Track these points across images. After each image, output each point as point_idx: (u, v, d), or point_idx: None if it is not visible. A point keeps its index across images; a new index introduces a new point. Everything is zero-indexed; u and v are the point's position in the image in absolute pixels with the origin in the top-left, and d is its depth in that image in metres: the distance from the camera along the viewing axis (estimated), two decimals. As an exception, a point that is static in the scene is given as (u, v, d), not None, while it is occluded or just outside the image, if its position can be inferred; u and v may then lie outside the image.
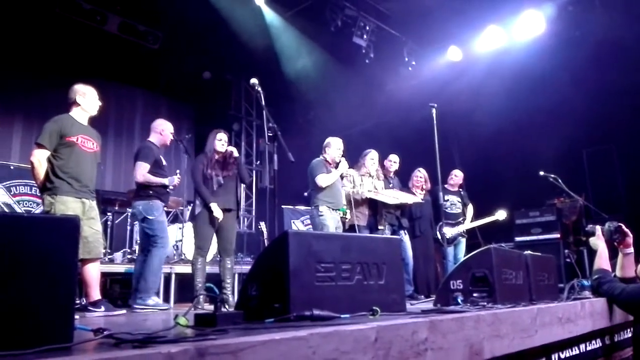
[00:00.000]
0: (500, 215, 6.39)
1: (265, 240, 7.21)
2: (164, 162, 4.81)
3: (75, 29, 7.31)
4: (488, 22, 7.90)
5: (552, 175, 6.06)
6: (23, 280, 1.30)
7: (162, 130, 4.85)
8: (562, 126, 7.05)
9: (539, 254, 3.87)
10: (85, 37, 7.52)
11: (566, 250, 6.79)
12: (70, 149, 3.69)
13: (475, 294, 2.86)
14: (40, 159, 3.65)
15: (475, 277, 2.91)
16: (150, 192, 4.62)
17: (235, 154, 4.86)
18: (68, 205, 3.62)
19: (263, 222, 7.42)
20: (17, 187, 6.33)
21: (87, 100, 3.88)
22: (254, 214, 10.35)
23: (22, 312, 1.29)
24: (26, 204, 6.37)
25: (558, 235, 6.95)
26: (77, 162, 3.71)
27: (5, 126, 6.25)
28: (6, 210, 6.09)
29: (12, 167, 6.50)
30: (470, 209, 6.44)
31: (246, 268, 6.76)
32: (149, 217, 4.54)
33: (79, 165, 3.72)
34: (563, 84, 7.00)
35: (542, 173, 6.11)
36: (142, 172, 4.55)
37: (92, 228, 3.73)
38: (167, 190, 4.78)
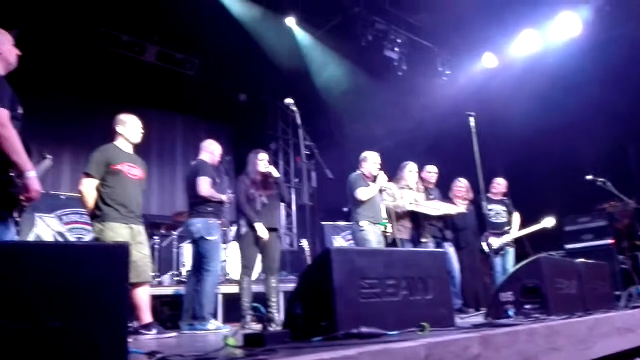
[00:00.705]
0: (548, 222, 6.17)
1: (308, 258, 7.22)
2: (217, 181, 4.93)
3: (116, 60, 7.62)
4: (523, 26, 7.77)
5: (601, 179, 5.84)
6: (78, 306, 1.35)
7: (213, 151, 4.97)
8: (604, 126, 6.80)
9: (592, 261, 3.73)
10: (126, 67, 7.81)
11: (620, 256, 6.48)
12: (116, 176, 3.82)
13: (527, 306, 2.77)
14: (88, 187, 3.79)
15: (525, 288, 2.83)
16: (209, 208, 4.67)
17: (275, 173, 4.92)
18: (116, 231, 3.73)
19: (304, 240, 7.44)
20: (68, 216, 6.59)
21: (128, 129, 4.01)
22: (294, 231, 10.39)
23: (77, 337, 1.33)
24: (77, 231, 6.61)
25: (611, 241, 6.64)
26: (124, 189, 3.83)
27: (55, 157, 6.54)
28: (59, 238, 6.34)
29: (62, 197, 6.78)
30: (516, 217, 6.26)
31: (290, 286, 6.79)
32: (207, 237, 4.56)
33: (126, 192, 3.84)
34: (603, 83, 6.77)
35: (589, 177, 5.89)
36: (207, 186, 4.61)
37: (141, 252, 3.83)
38: (223, 208, 4.87)
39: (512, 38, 7.97)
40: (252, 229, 4.62)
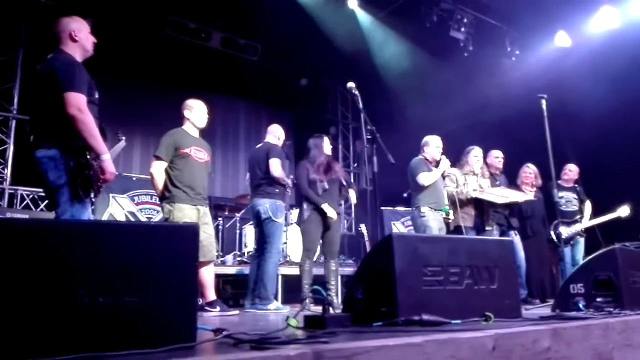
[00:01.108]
0: (623, 211, 5.81)
1: (366, 243, 7.21)
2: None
3: (183, 46, 7.87)
4: (600, 3, 7.27)
5: (684, 166, 5.41)
6: (152, 283, 1.42)
7: (279, 136, 5.07)
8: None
9: (672, 253, 3.48)
10: (192, 54, 8.06)
11: None
12: (184, 160, 3.97)
13: (598, 299, 2.65)
14: (158, 170, 3.96)
15: (598, 281, 2.69)
16: (277, 190, 4.79)
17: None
18: (184, 212, 3.89)
19: (363, 224, 7.42)
20: (139, 197, 6.93)
21: (194, 115, 4.15)
22: (353, 216, 10.40)
23: (152, 312, 1.40)
24: (147, 211, 6.95)
25: (693, 232, 6.17)
26: (191, 172, 3.98)
27: (127, 140, 6.89)
28: (131, 218, 6.69)
29: (134, 179, 7.13)
30: (588, 206, 5.94)
31: (348, 270, 6.84)
32: (275, 219, 4.67)
33: (193, 175, 3.99)
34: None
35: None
36: (279, 167, 4.72)
37: (206, 232, 3.97)
38: (286, 191, 4.96)
39: (588, 15, 7.48)
40: (317, 212, 4.67)
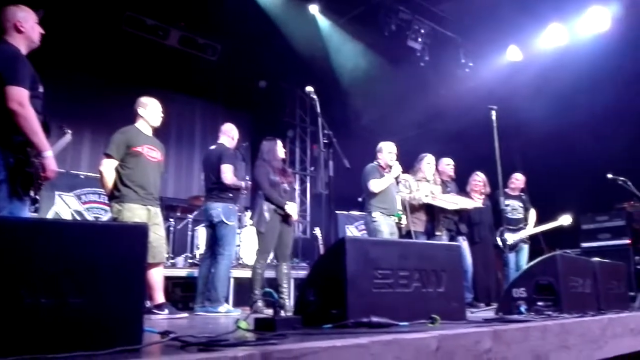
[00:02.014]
0: (565, 220, 6.11)
1: (320, 246, 7.25)
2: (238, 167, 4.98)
3: (140, 43, 7.68)
4: (550, 20, 7.62)
5: (621, 178, 5.74)
6: (97, 284, 1.38)
7: (234, 136, 5.02)
8: (630, 125, 6.67)
9: (608, 260, 3.69)
10: (149, 51, 7.88)
11: (637, 257, 6.39)
12: (136, 158, 3.88)
13: (539, 303, 2.76)
14: (108, 168, 3.85)
15: (539, 285, 2.81)
16: (230, 194, 4.75)
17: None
18: (134, 212, 3.79)
19: (318, 228, 7.46)
20: (87, 195, 6.69)
21: (149, 112, 4.06)
22: (308, 219, 10.43)
23: (96, 314, 1.36)
24: (95, 211, 6.72)
25: (628, 241, 6.54)
26: (143, 171, 3.89)
27: (75, 137, 6.64)
28: (77, 217, 6.46)
29: (82, 177, 6.88)
30: (532, 214, 6.21)
31: (302, 273, 6.85)
32: (227, 222, 4.62)
33: (145, 174, 3.89)
34: (630, 82, 6.62)
35: (610, 176, 5.80)
36: (231, 174, 4.67)
37: (157, 233, 3.89)
38: (240, 194, 4.91)
39: (538, 31, 7.82)
40: (276, 214, 4.64)
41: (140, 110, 4.04)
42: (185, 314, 4.17)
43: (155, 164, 4.03)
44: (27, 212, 2.80)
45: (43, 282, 1.29)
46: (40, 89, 2.89)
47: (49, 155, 2.77)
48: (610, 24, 7.13)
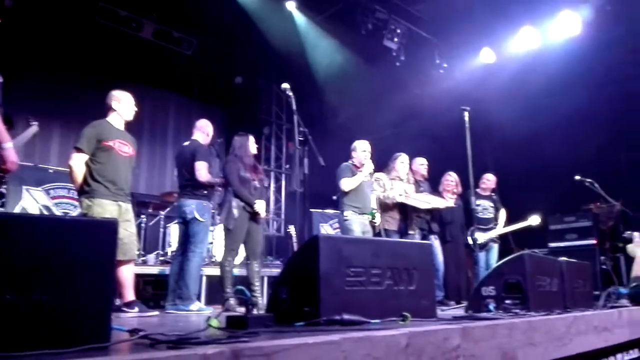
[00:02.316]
0: (534, 220, 6.25)
1: (295, 244, 7.23)
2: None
3: (113, 35, 7.53)
4: (522, 23, 7.76)
5: (589, 180, 5.91)
6: (65, 281, 1.35)
7: (209, 132, 4.96)
8: (599, 129, 6.86)
9: (574, 260, 3.79)
10: (122, 44, 7.73)
11: (602, 257, 6.58)
12: (107, 153, 3.80)
13: (507, 301, 2.82)
14: (78, 162, 3.76)
15: (508, 284, 2.87)
16: (205, 191, 4.70)
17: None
18: (105, 207, 3.72)
19: (292, 226, 7.45)
20: (56, 190, 6.54)
21: (122, 106, 3.98)
22: (283, 217, 10.41)
23: (63, 311, 1.34)
24: (64, 206, 6.57)
25: (594, 242, 6.73)
26: (114, 166, 3.81)
27: (44, 131, 6.47)
28: (45, 212, 6.30)
29: (50, 171, 6.72)
30: (502, 214, 6.33)
31: (276, 271, 6.83)
32: (200, 218, 4.57)
33: (116, 169, 3.82)
34: (600, 86, 6.81)
35: (578, 177, 5.95)
36: (205, 171, 4.61)
37: (128, 230, 3.82)
38: (214, 191, 4.85)
39: (511, 34, 7.96)
40: (245, 211, 4.59)
41: (113, 104, 3.96)
42: (156, 312, 4.11)
43: (127, 159, 3.96)
44: None
45: (8, 278, 1.27)
46: (0, 79, 2.80)
47: (9, 147, 2.70)
48: (581, 28, 7.30)
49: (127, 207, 3.91)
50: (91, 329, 1.37)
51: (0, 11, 6.08)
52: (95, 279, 1.41)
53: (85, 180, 3.76)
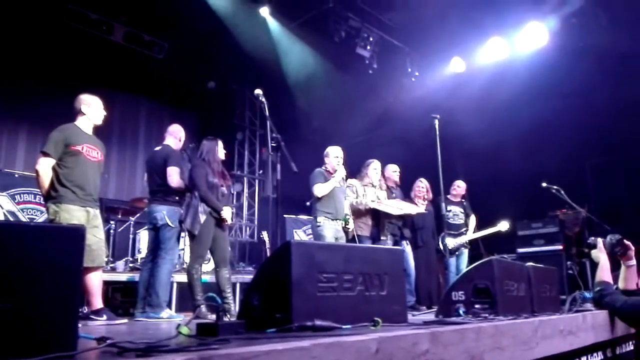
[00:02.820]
0: (503, 226, 6.39)
1: (268, 250, 7.19)
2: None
3: (82, 38, 7.39)
4: (491, 34, 7.94)
5: (555, 187, 6.06)
6: (29, 289, 1.32)
7: (181, 137, 4.91)
8: (565, 138, 7.07)
9: (541, 265, 3.87)
10: (92, 47, 7.60)
11: (569, 262, 6.75)
12: (75, 157, 3.72)
13: (477, 306, 2.86)
14: (45, 167, 3.67)
15: (477, 289, 2.91)
16: (176, 197, 4.64)
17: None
18: (72, 213, 3.64)
19: (265, 232, 7.41)
20: (22, 195, 6.35)
21: (92, 110, 3.91)
22: (256, 223, 10.36)
23: (27, 320, 1.30)
24: (30, 212, 6.39)
25: (561, 247, 6.92)
26: (82, 171, 3.74)
27: (11, 134, 6.30)
28: (10, 218, 6.12)
29: (16, 175, 6.54)
30: (472, 220, 6.45)
31: (248, 277, 6.78)
32: (171, 224, 4.51)
33: (84, 174, 3.75)
34: (566, 96, 7.02)
35: (544, 184, 6.11)
36: (178, 177, 4.56)
37: (96, 236, 3.75)
38: (185, 197, 4.80)
39: (480, 45, 8.14)
40: (212, 217, 4.52)
41: (82, 108, 3.88)
42: (125, 320, 4.03)
43: (95, 164, 3.88)
44: None
45: (-32, 286, 1.23)
46: None
47: None
48: (548, 39, 7.51)
49: (96, 213, 3.83)
50: (57, 337, 1.33)
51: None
52: (62, 287, 1.38)
53: (52, 185, 3.68)
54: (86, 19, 7.26)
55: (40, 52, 7.41)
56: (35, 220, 6.22)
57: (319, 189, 5.05)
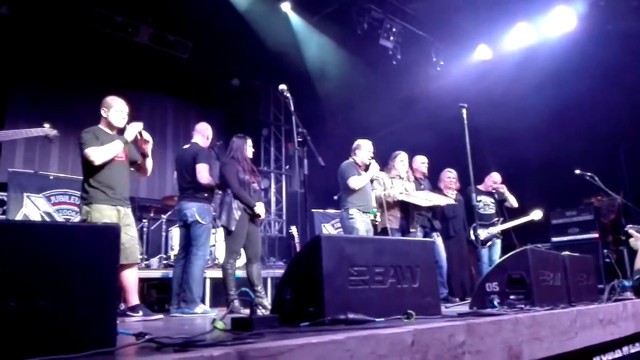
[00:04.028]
0: (536, 215, 6.25)
1: (297, 244, 7.25)
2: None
3: (109, 40, 7.53)
4: (517, 20, 7.77)
5: (589, 174, 5.90)
6: (69, 287, 1.35)
7: (209, 135, 4.98)
8: (596, 122, 6.87)
9: (577, 254, 3.79)
10: (118, 49, 7.73)
11: (605, 250, 6.57)
12: None
13: (512, 296, 2.82)
14: (95, 151, 3.73)
15: (511, 279, 2.87)
16: (205, 194, 4.72)
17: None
18: (103, 213, 3.72)
19: (294, 226, 7.46)
20: (57, 196, 6.52)
21: (111, 114, 3.93)
22: (284, 218, 10.41)
23: (68, 317, 1.34)
24: (65, 212, 6.56)
25: (596, 235, 6.74)
26: (110, 171, 3.81)
27: (45, 138, 6.46)
28: (47, 219, 6.29)
29: (51, 177, 6.71)
30: (513, 200, 6.29)
31: (279, 272, 6.83)
32: (201, 221, 4.60)
33: (112, 174, 3.82)
34: (596, 79, 6.81)
35: (578, 171, 5.95)
36: (207, 174, 4.65)
37: (128, 234, 3.82)
38: (215, 194, 4.87)
39: (506, 31, 7.97)
40: (245, 213, 4.57)
41: (102, 111, 3.93)
42: (160, 316, 4.11)
43: (123, 164, 3.95)
44: None
45: (13, 285, 1.27)
46: None
47: None
48: (576, 23, 7.32)
49: (127, 212, 3.91)
50: (97, 333, 1.37)
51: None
52: (100, 284, 1.41)
53: (83, 186, 3.78)
54: (112, 22, 7.39)
55: (69, 56, 7.57)
56: (70, 220, 6.39)
57: (356, 181, 5.04)
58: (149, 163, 4.17)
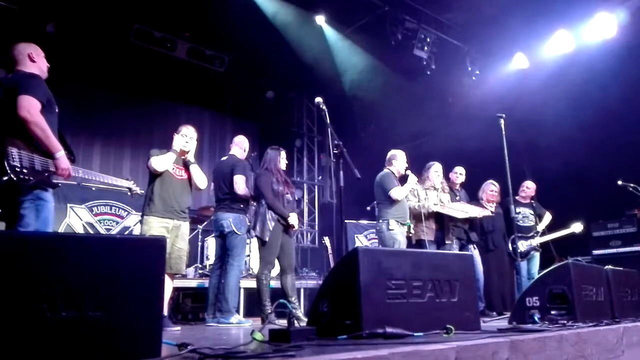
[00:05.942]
0: (576, 227, 6.06)
1: (330, 256, 7.24)
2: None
3: (148, 55, 7.77)
4: (556, 27, 7.62)
5: (632, 185, 5.70)
6: (117, 297, 1.39)
7: (246, 148, 5.09)
8: (637, 131, 6.64)
9: (620, 268, 3.66)
10: (157, 63, 7.96)
11: (650, 264, 6.32)
12: (162, 175, 4.07)
13: (553, 312, 2.74)
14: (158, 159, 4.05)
15: (553, 294, 2.80)
16: (241, 205, 4.81)
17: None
18: (151, 225, 3.95)
19: (327, 237, 7.45)
20: (99, 207, 6.73)
21: (175, 141, 4.24)
22: (317, 229, 10.43)
23: (116, 327, 1.38)
24: (107, 222, 6.75)
25: (640, 248, 6.49)
26: (164, 187, 4.05)
27: (86, 148, 6.67)
28: (89, 229, 6.50)
29: (93, 189, 6.91)
30: (547, 216, 6.14)
31: (312, 283, 6.84)
32: (237, 232, 4.68)
33: (166, 190, 4.06)
34: (637, 88, 6.60)
35: (620, 182, 5.76)
36: (244, 185, 4.77)
37: (175, 246, 4.03)
38: (250, 205, 4.95)
39: (544, 39, 7.81)
40: (280, 224, 4.62)
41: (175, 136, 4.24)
42: (178, 328, 4.08)
43: (182, 181, 4.19)
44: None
45: (64, 296, 1.31)
46: (56, 109, 3.13)
47: (61, 156, 3.00)
48: (617, 30, 7.12)
49: (177, 224, 4.09)
50: (143, 343, 1.40)
51: (43, 37, 6.39)
52: (146, 294, 1.45)
53: (144, 199, 4.07)
54: (151, 37, 7.63)
55: (110, 70, 7.83)
56: (111, 230, 6.58)
57: (398, 192, 5.01)
58: (195, 173, 4.31)
